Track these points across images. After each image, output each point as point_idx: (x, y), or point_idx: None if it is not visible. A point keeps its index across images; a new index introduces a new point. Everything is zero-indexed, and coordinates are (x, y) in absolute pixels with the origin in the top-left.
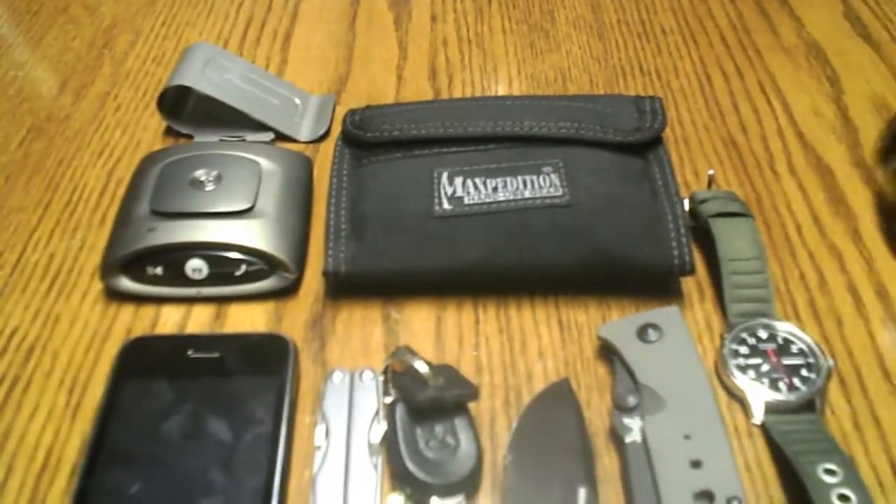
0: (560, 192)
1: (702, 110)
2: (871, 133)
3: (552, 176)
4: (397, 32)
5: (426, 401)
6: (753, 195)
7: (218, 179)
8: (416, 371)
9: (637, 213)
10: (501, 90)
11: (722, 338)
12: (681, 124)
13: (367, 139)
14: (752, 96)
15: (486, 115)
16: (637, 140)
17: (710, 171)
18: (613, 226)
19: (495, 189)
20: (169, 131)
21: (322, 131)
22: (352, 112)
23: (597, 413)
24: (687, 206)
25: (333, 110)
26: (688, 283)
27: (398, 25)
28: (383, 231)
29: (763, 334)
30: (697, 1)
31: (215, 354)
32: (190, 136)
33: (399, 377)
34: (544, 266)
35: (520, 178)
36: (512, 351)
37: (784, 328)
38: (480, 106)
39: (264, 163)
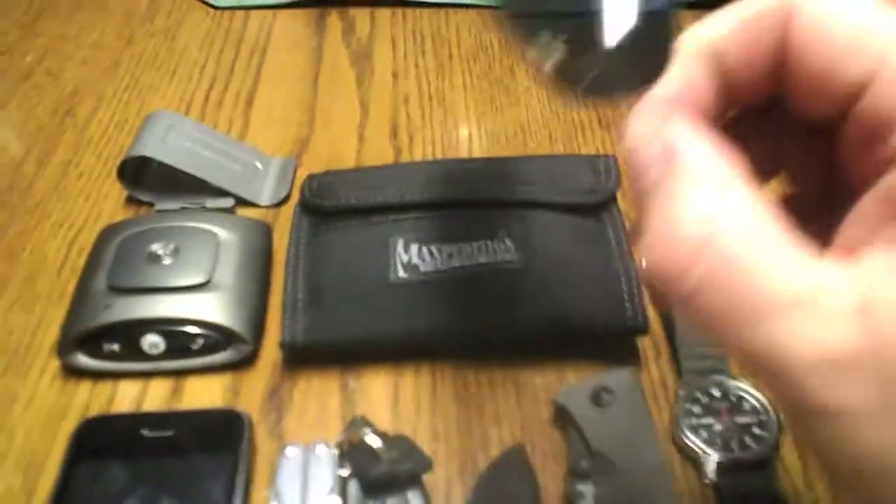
0: (514, 257)
1: None
2: None
3: (507, 241)
4: (359, 90)
5: (378, 476)
6: None
7: (175, 252)
8: (369, 445)
9: (591, 274)
10: (462, 147)
11: (676, 396)
12: None
13: (325, 207)
14: None
15: (443, 180)
16: (590, 202)
17: None
18: (567, 289)
19: (450, 256)
20: (130, 199)
21: (283, 195)
22: (311, 178)
23: (552, 478)
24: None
25: (294, 173)
26: (644, 342)
27: (360, 83)
28: (340, 300)
29: (716, 393)
30: None
31: (170, 433)
32: (151, 204)
33: (353, 451)
34: (500, 331)
35: (475, 243)
36: (468, 416)
37: (737, 386)
38: (437, 170)
39: (222, 233)
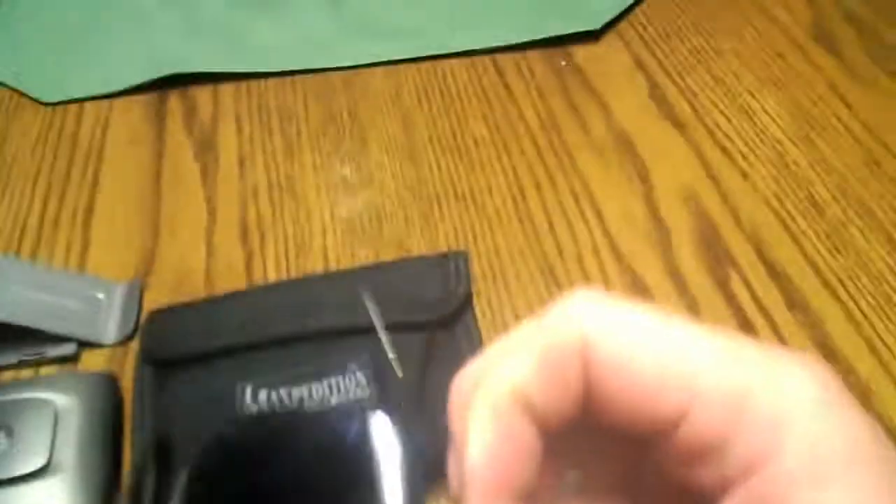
0: (367, 394)
1: (517, 234)
2: (681, 231)
3: (358, 374)
4: (205, 187)
5: None
6: None
7: (9, 434)
8: None
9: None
10: (315, 243)
11: None
12: (497, 255)
13: (166, 357)
14: (566, 208)
15: (289, 310)
16: (442, 315)
17: None
18: (422, 424)
19: (301, 400)
20: None
21: (130, 328)
22: (151, 319)
23: None
24: None
25: (141, 297)
26: None
27: (205, 178)
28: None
29: None
30: (508, 103)
31: None
32: None
33: None
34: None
35: (325, 381)
36: None
37: None
38: (282, 295)
39: (60, 400)
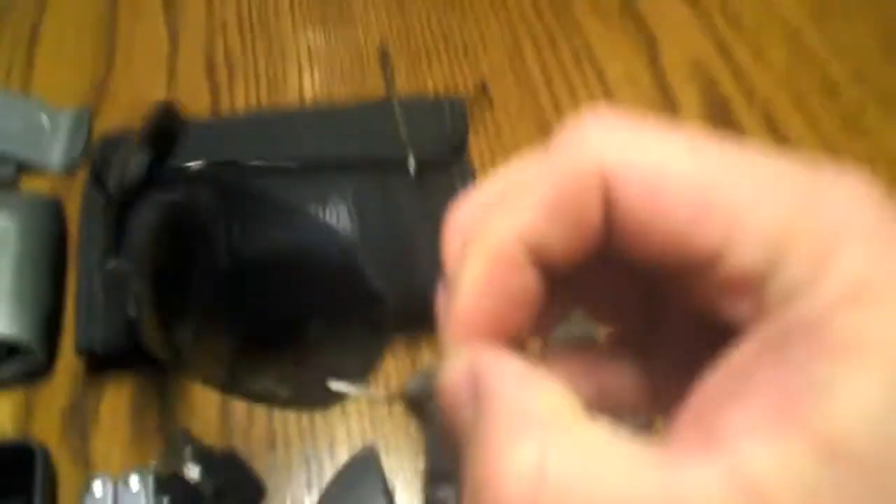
0: (347, 229)
1: (512, 90)
2: (689, 101)
3: (340, 208)
4: (166, 16)
5: None
6: None
7: None
8: (187, 480)
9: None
10: (290, 84)
11: None
12: (491, 108)
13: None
14: (565, 66)
15: (264, 138)
16: (437, 156)
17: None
18: (412, 261)
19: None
20: None
21: (76, 155)
22: (103, 143)
23: (409, 483)
24: None
25: (90, 127)
26: None
27: (168, 6)
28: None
29: None
30: None
31: None
32: None
33: (170, 484)
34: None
35: None
36: (311, 413)
37: None
38: (256, 124)
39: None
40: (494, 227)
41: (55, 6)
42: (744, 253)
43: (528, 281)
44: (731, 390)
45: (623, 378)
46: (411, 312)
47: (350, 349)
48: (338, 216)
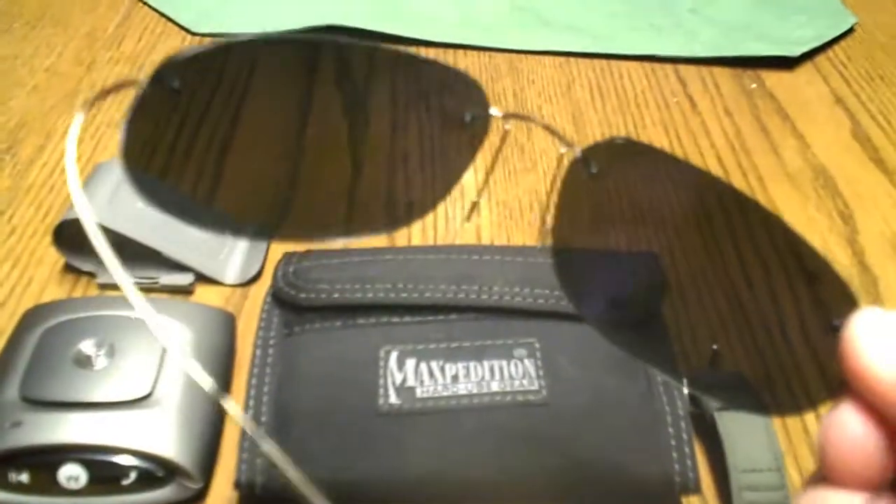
0: (535, 386)
1: (699, 254)
2: (891, 283)
3: (526, 362)
4: (350, 144)
5: None
6: (763, 370)
7: (110, 353)
8: None
9: (629, 413)
10: (468, 224)
11: None
12: (677, 274)
13: (301, 301)
14: (756, 235)
15: (448, 276)
16: (630, 316)
17: (714, 346)
18: (600, 432)
19: (455, 378)
20: (69, 267)
21: (254, 272)
22: (286, 260)
23: None
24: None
25: (268, 245)
26: (689, 499)
27: (351, 133)
28: (314, 430)
29: None
30: (691, 115)
31: None
32: (93, 275)
33: None
34: (514, 481)
35: (486, 363)
36: None
37: None
38: (442, 261)
39: (172, 326)
40: None
41: (246, 118)
42: None
43: None
44: None
45: None
46: (595, 486)
47: None
48: (523, 368)
